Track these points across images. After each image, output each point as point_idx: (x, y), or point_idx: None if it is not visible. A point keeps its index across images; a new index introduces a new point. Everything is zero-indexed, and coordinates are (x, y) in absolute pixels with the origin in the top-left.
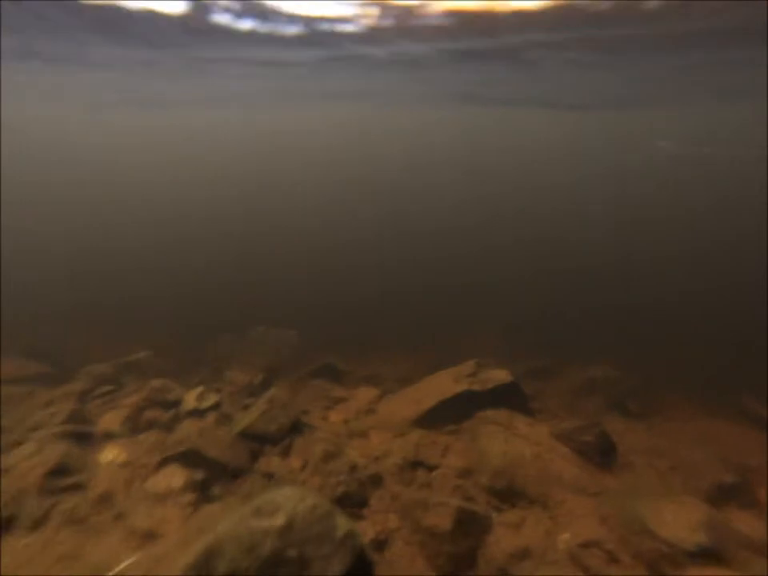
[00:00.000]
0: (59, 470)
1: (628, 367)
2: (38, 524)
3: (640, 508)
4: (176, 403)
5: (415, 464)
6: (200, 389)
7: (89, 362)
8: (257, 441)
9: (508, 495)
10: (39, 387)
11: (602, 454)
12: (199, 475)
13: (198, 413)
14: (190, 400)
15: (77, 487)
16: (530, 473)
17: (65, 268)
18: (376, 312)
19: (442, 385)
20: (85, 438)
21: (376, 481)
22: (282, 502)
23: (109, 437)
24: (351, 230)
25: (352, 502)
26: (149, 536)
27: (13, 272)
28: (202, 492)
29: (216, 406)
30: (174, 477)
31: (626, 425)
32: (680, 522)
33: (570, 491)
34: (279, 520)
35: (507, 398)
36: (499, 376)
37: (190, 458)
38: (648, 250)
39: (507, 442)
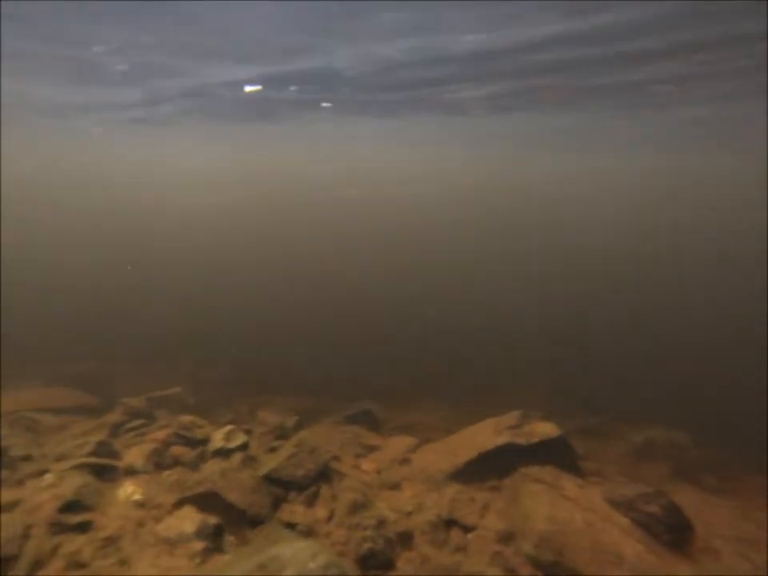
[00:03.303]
0: (72, 506)
1: (694, 434)
2: (37, 566)
3: None
4: (204, 441)
5: (450, 522)
6: (228, 428)
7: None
8: (281, 486)
9: (555, 569)
10: (81, 418)
11: (672, 532)
12: (214, 520)
13: (224, 452)
14: (218, 439)
15: (86, 526)
16: (581, 544)
17: (126, 300)
18: (418, 360)
19: (483, 436)
20: (107, 471)
21: (406, 539)
22: (291, 558)
23: (131, 472)
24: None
25: (377, 563)
26: None
27: (72, 303)
28: (215, 540)
29: (244, 447)
30: (187, 521)
31: (703, 500)
32: None
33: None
34: None
35: (554, 454)
36: (545, 429)
37: (207, 500)
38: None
39: (554, 504)
